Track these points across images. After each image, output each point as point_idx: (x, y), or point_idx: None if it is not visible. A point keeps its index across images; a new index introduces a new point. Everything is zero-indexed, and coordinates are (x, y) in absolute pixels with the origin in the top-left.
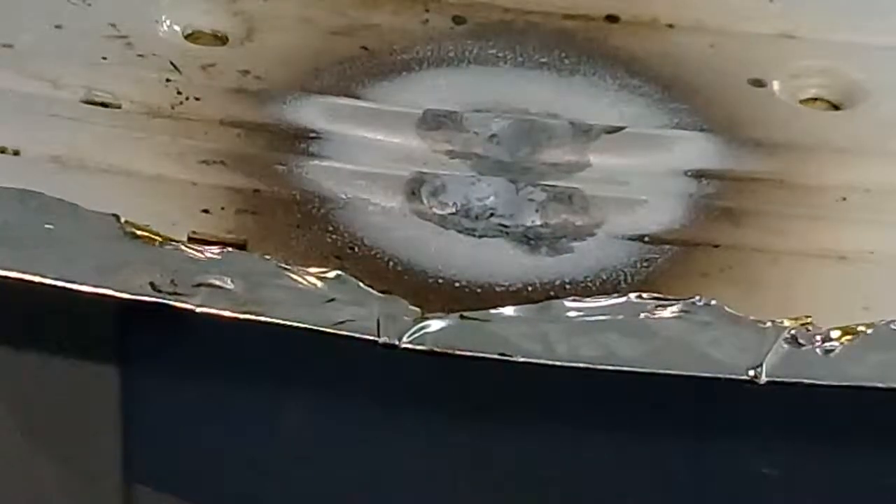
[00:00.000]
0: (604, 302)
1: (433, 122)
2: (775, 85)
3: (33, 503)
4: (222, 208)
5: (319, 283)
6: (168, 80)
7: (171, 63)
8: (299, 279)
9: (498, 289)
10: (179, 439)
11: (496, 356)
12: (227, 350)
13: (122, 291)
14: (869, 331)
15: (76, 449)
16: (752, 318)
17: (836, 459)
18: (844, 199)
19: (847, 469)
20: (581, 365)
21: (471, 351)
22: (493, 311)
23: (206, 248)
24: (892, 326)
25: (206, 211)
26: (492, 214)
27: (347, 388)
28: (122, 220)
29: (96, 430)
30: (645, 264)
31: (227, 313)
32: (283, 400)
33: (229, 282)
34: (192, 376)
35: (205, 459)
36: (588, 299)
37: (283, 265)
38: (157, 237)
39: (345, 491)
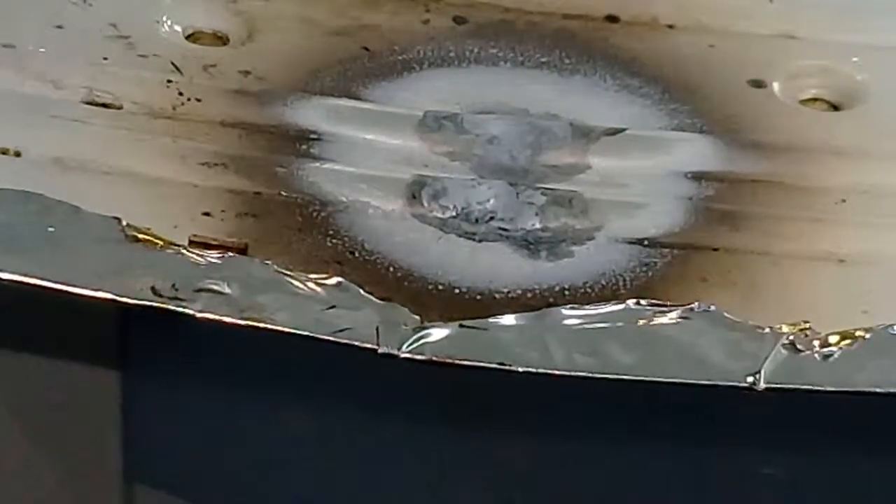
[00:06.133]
0: (602, 309)
1: (434, 123)
2: (775, 85)
3: (33, 503)
4: (223, 211)
5: (320, 290)
6: (169, 81)
7: (173, 64)
8: (300, 285)
9: (497, 295)
10: (179, 441)
11: (495, 366)
12: (227, 354)
13: (123, 295)
14: (867, 336)
15: (76, 450)
16: (750, 323)
17: (835, 465)
18: (844, 200)
19: (846, 474)
20: (580, 373)
21: (470, 360)
22: (491, 319)
23: (207, 252)
24: (891, 331)
25: (207, 214)
26: (492, 218)
27: (346, 392)
28: (124, 223)
29: (96, 433)
30: (644, 268)
31: (227, 319)
32: (282, 404)
33: (230, 287)
34: (192, 380)
35: (204, 461)
36: (587, 307)
37: (284, 271)
38: (158, 241)
39: (343, 494)
